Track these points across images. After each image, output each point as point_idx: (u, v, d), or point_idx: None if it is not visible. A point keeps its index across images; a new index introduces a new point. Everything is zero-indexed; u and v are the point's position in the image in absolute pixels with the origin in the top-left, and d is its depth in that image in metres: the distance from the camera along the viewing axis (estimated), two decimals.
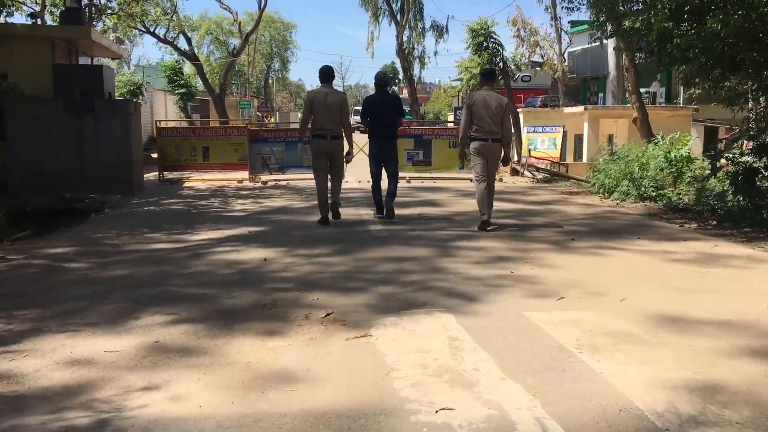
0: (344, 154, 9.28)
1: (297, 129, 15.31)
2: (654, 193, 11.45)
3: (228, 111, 38.32)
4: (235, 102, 39.88)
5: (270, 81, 63.28)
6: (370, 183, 9.96)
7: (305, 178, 14.83)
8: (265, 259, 6.86)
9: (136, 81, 24.07)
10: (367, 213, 10.22)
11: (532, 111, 26.07)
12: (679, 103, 29.07)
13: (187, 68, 36.11)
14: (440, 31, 32.54)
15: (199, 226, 9.19)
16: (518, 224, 9.25)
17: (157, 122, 15.02)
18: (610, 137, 26.26)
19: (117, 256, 7.19)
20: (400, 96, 36.93)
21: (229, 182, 15.12)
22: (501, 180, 15.12)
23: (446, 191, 13.40)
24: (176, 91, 26.01)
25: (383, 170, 9.65)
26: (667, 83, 31.99)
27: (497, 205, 11.01)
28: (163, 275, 6.22)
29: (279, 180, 15.04)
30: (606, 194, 12.12)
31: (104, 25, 18.88)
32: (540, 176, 15.19)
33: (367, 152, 10.33)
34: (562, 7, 19.00)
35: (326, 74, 9.14)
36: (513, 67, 21.28)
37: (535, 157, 15.85)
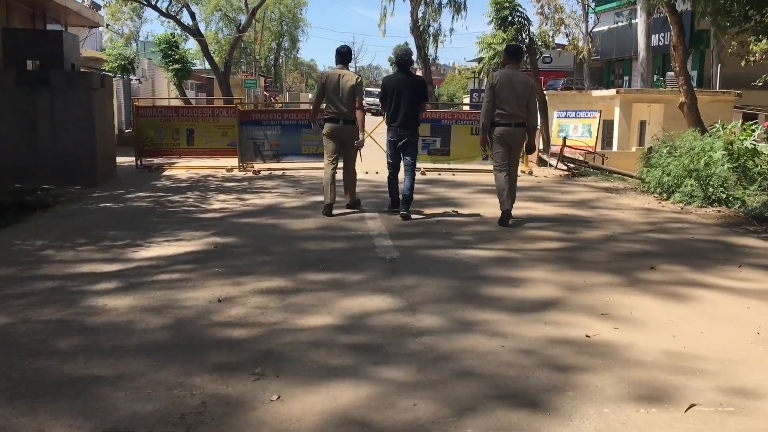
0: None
1: (294, 110, 13.15)
2: (724, 195, 9.18)
3: (233, 90, 36.06)
4: (241, 81, 37.63)
5: (280, 60, 60.83)
6: (380, 174, 7.72)
7: (303, 168, 12.67)
8: (219, 300, 4.68)
9: (127, 55, 21.82)
10: (373, 217, 8.03)
11: (557, 94, 23.67)
12: (714, 88, 26.64)
13: (191, 44, 33.88)
14: (458, 6, 30.06)
15: (155, 234, 7.02)
16: (564, 237, 7.04)
17: (134, 100, 12.85)
18: (642, 123, 23.90)
19: (14, 286, 5.03)
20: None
21: (216, 171, 12.94)
22: (530, 173, 12.86)
23: (467, 187, 11.16)
24: (171, 67, 23.81)
25: (400, 160, 8.41)
26: (699, 66, 29.45)
27: (531, 206, 8.91)
28: (54, 331, 4.05)
29: (273, 169, 12.84)
30: (664, 194, 9.84)
31: None
32: (574, 168, 12.90)
33: (384, 139, 8.73)
34: None
35: (343, 55, 8.44)
36: (540, 44, 18.92)
37: (569, 146, 13.57)
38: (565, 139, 13.60)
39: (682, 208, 9.07)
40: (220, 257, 6.02)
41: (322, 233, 7.13)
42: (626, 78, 34.91)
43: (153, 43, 30.17)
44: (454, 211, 8.65)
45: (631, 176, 12.15)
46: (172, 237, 6.88)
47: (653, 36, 28.48)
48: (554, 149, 16.01)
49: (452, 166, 12.85)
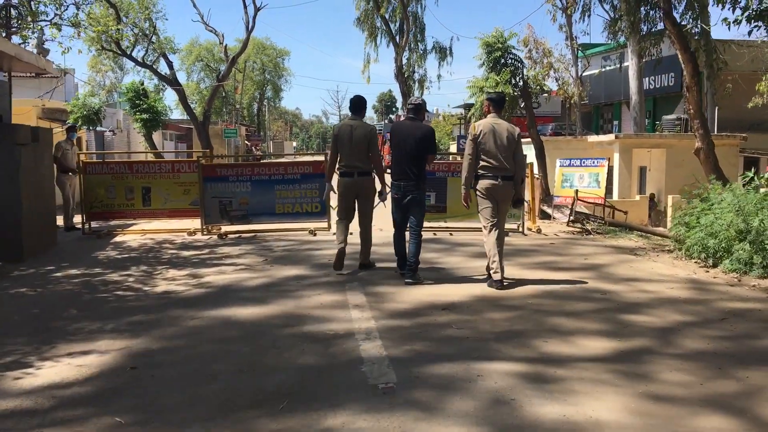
0: (377, 193, 7.85)
1: (266, 164, 11.34)
2: None
3: (213, 140, 34.32)
4: (221, 131, 35.91)
5: (263, 109, 59.36)
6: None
7: (277, 230, 10.78)
8: None
9: (92, 105, 20.00)
10: (360, 304, 6.09)
11: (551, 140, 22.11)
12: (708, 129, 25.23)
13: (171, 95, 32.22)
14: (443, 52, 28.75)
15: (59, 342, 5.06)
16: (610, 332, 5.16)
17: (78, 154, 10.96)
18: (642, 170, 22.29)
19: None
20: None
21: (176, 235, 11.02)
22: (539, 231, 11.03)
23: (467, 249, 9.31)
24: (138, 117, 22.02)
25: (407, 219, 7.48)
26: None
27: (549, 276, 7.32)
28: None
29: (242, 232, 10.92)
30: (709, 260, 8.01)
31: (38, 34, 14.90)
32: (590, 224, 11.09)
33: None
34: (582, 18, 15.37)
35: (356, 105, 7.91)
36: (535, 87, 17.35)
37: (580, 200, 11.78)
38: (577, 191, 11.82)
39: (739, 280, 7.22)
40: (132, 388, 4.07)
41: (289, 335, 5.19)
42: (615, 122, 33.62)
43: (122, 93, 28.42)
44: (453, 289, 6.72)
45: (660, 234, 10.34)
46: (82, 347, 4.92)
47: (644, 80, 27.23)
48: (558, 201, 14.27)
49: (449, 224, 11.01)
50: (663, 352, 4.71)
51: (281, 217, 10.89)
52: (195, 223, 11.05)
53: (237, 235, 10.84)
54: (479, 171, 6.91)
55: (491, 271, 6.85)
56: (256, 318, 5.69)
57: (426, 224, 9.20)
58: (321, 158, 10.96)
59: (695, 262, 8.24)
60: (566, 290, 6.67)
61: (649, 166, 21.20)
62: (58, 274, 7.83)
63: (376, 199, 7.85)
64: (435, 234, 10.62)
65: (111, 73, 56.37)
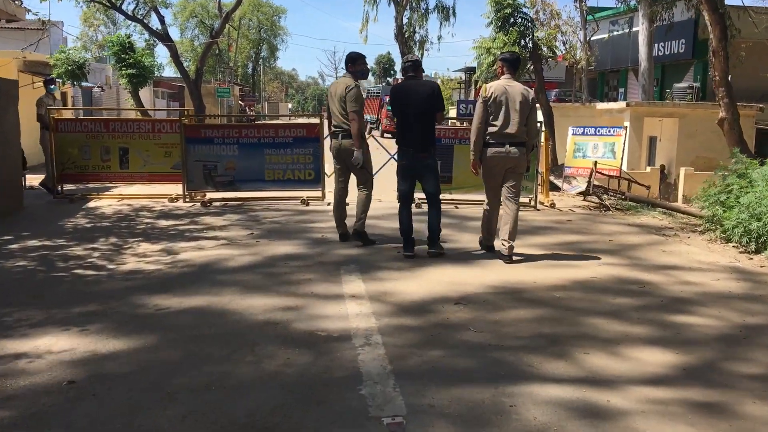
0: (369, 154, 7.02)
1: (255, 126, 10.31)
2: None
3: (205, 99, 33.02)
4: (214, 90, 34.53)
5: (258, 69, 57.64)
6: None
7: (267, 199, 9.77)
8: None
9: (77, 59, 18.71)
10: (357, 294, 5.12)
11: (557, 107, 20.94)
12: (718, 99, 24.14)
13: (163, 52, 30.86)
14: (446, 12, 27.43)
15: None
16: (663, 339, 4.22)
17: (49, 110, 9.86)
18: (652, 140, 21.25)
19: None
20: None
21: (156, 201, 10.00)
22: (552, 205, 10.04)
23: (476, 225, 8.31)
24: (124, 72, 20.73)
25: (415, 189, 6.84)
26: (703, 77, 26.98)
27: (573, 264, 6.26)
28: None
29: (229, 200, 9.90)
30: (751, 244, 7.04)
31: None
32: (606, 199, 10.10)
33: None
34: None
35: (347, 60, 7.26)
36: (545, 50, 16.21)
37: (599, 171, 10.74)
38: (596, 163, 10.80)
39: None
40: (61, 414, 3.11)
41: (273, 336, 4.22)
42: (621, 90, 32.42)
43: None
44: (462, 280, 5.74)
45: (686, 212, 9.37)
46: (15, 348, 3.95)
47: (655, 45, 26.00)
48: (569, 171, 13.25)
49: (455, 196, 10.00)
50: (735, 371, 3.77)
51: (271, 185, 9.87)
52: (177, 188, 10.00)
53: (222, 203, 9.82)
54: (487, 137, 6.31)
55: (484, 239, 6.75)
56: (235, 310, 4.72)
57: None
58: (316, 121, 9.88)
59: (734, 246, 7.28)
60: (597, 280, 5.71)
61: (660, 136, 20.14)
62: (14, 246, 6.82)
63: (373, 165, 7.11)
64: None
65: (104, 28, 54.59)
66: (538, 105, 15.58)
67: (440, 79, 51.21)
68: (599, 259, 6.58)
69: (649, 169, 18.43)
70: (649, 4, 24.14)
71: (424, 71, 6.92)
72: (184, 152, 9.71)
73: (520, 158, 6.33)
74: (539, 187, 10.14)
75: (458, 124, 35.29)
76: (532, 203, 9.89)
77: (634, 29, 26.77)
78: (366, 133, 7.00)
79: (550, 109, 16.01)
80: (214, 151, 9.77)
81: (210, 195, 10.00)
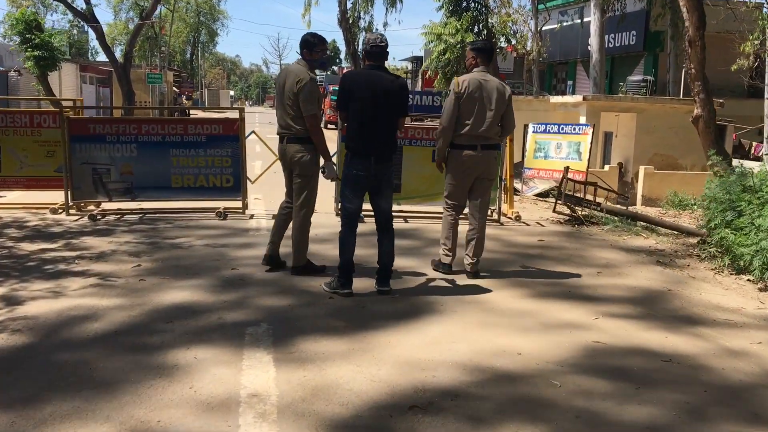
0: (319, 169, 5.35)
1: (159, 120, 8.29)
2: None
3: (135, 86, 30.36)
4: (144, 75, 31.76)
5: (195, 54, 54.44)
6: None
7: (174, 210, 7.81)
8: None
9: None
10: (262, 424, 3.27)
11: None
12: (670, 95, 23.12)
13: (81, 32, 28.15)
14: None
15: None
16: None
17: None
18: (608, 136, 19.95)
19: None
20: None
21: (35, 212, 7.91)
22: (518, 218, 8.37)
23: (427, 244, 6.59)
24: (30, 54, 18.13)
25: (364, 207, 5.24)
26: (654, 71, 25.95)
27: (567, 313, 4.46)
28: None
29: (125, 211, 7.89)
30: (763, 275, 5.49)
31: None
32: (578, 209, 8.46)
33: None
34: None
35: (303, 45, 5.34)
36: (501, 38, 14.59)
37: (571, 179, 9.04)
38: (567, 168, 9.17)
39: None
40: None
41: None
42: (570, 82, 31.26)
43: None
44: (430, 315, 3.98)
45: (670, 227, 7.83)
46: None
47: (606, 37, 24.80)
48: (529, 173, 11.66)
49: (404, 207, 8.22)
50: None
51: (179, 193, 7.88)
52: (62, 196, 7.91)
53: (118, 215, 7.80)
54: (455, 139, 5.44)
55: (441, 254, 5.62)
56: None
57: (369, 206, 6.19)
58: (235, 115, 7.91)
59: (749, 280, 5.74)
60: (605, 348, 4.02)
61: (616, 132, 18.84)
62: None
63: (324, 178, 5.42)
64: None
65: (32, 8, 50.68)
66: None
67: (388, 67, 49.32)
68: (594, 303, 4.91)
69: (607, 167, 17.04)
70: None
71: (386, 57, 5.07)
72: (67, 153, 7.62)
73: (491, 164, 5.55)
74: (503, 196, 8.45)
75: (412, 120, 33.29)
76: (494, 216, 8.21)
77: (587, 19, 25.51)
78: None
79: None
80: (106, 151, 7.70)
81: (105, 205, 7.96)
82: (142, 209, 7.98)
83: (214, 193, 7.93)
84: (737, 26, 19.38)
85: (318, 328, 4.20)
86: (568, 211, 8.64)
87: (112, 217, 7.71)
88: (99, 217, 7.63)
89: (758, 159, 17.24)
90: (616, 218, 8.30)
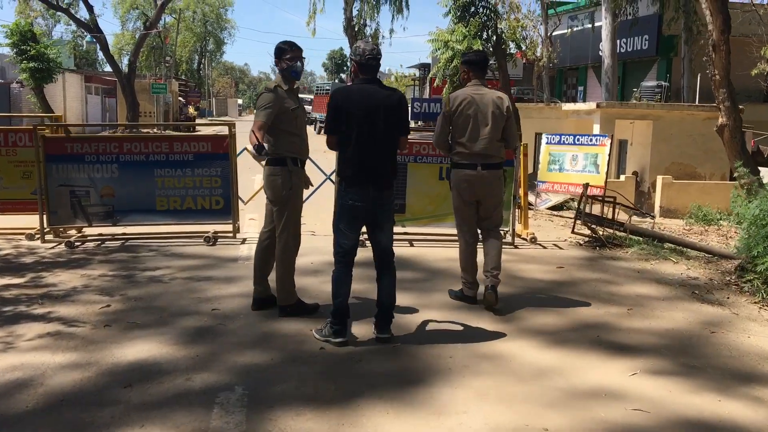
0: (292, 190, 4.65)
1: (143, 138, 7.62)
2: None
3: (140, 96, 29.89)
4: (149, 85, 31.21)
5: (203, 63, 53.94)
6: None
7: (159, 235, 7.15)
8: None
9: None
10: None
11: (521, 107, 18.64)
12: (684, 100, 22.32)
13: (89, 43, 27.70)
14: (399, 4, 24.88)
15: None
16: None
17: None
18: (622, 144, 19.16)
19: None
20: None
21: (9, 238, 7.25)
22: (533, 239, 7.64)
23: (444, 273, 5.90)
24: (25, 66, 17.59)
25: (363, 242, 5.15)
26: (666, 76, 25.10)
27: (603, 371, 3.74)
28: None
29: (106, 236, 7.22)
30: None
31: None
32: (600, 230, 7.71)
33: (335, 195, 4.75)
34: None
35: (274, 54, 4.77)
36: (511, 45, 13.91)
37: (592, 196, 8.26)
38: (587, 185, 8.44)
39: None
40: None
41: None
42: (580, 88, 30.47)
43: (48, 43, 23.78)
44: (435, 390, 3.27)
45: (703, 250, 7.05)
46: None
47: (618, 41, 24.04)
48: (543, 187, 10.92)
49: (409, 229, 7.51)
50: None
51: (165, 216, 7.19)
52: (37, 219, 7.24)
53: (98, 241, 7.13)
54: (454, 158, 5.12)
55: (464, 287, 5.19)
56: None
57: None
58: (225, 131, 7.22)
59: None
60: (652, 428, 3.29)
61: (631, 140, 18.06)
62: None
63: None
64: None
65: (41, 20, 50.47)
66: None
67: (394, 75, 48.68)
68: (628, 354, 4.17)
69: (623, 177, 16.27)
70: None
71: (378, 68, 4.39)
72: (42, 174, 6.96)
73: (495, 183, 5.11)
74: (517, 215, 7.71)
75: (412, 124, 32.39)
76: (508, 237, 7.49)
77: (597, 24, 24.75)
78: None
79: (517, 113, 13.66)
80: (85, 172, 7.03)
81: (89, 230, 7.30)
82: (124, 234, 7.31)
83: (203, 216, 7.25)
84: (755, 29, 18.58)
85: (302, 395, 3.48)
86: (587, 231, 7.89)
87: (91, 244, 7.04)
88: (77, 243, 6.96)
89: None
90: (641, 239, 7.54)
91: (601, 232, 7.65)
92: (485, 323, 4.72)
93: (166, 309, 4.88)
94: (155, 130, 28.06)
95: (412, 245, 7.26)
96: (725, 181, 15.71)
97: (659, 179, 14.68)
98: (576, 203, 12.74)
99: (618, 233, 7.63)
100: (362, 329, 4.43)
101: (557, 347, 4.28)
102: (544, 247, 7.45)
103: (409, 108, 33.45)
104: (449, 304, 5.16)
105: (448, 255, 6.41)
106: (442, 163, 7.24)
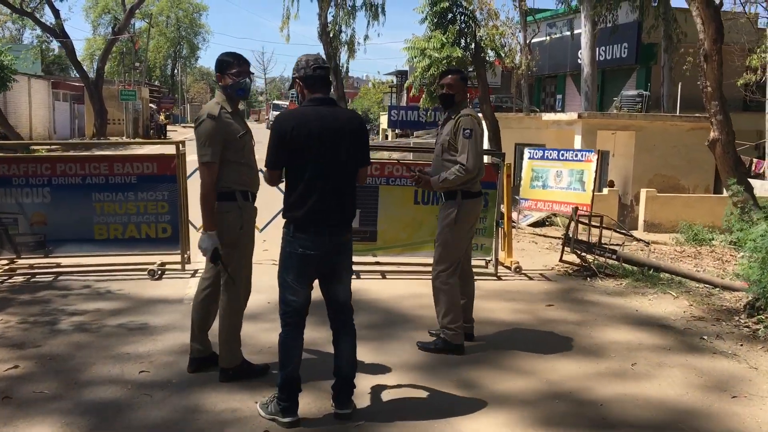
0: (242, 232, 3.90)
1: (79, 159, 6.71)
2: None
3: (108, 102, 28.79)
4: (117, 92, 30.10)
5: (176, 68, 52.69)
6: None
7: (98, 268, 6.28)
8: None
9: None
10: None
11: (500, 118, 17.96)
12: (663, 109, 21.88)
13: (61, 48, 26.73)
14: (375, 10, 24.10)
15: None
16: None
17: None
18: (603, 155, 18.56)
19: None
20: None
21: None
22: (518, 269, 6.88)
23: (403, 325, 5.12)
24: None
25: (314, 298, 3.56)
26: (645, 85, 24.65)
27: None
28: None
29: (39, 269, 6.33)
30: None
31: None
32: (589, 257, 6.98)
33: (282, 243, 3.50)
34: None
35: (216, 68, 3.97)
36: (491, 53, 13.25)
37: (581, 220, 7.54)
38: (576, 209, 7.73)
39: None
40: None
41: None
42: (559, 96, 29.95)
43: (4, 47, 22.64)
44: None
45: (710, 283, 6.34)
46: None
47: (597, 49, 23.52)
48: (525, 205, 10.17)
49: (381, 259, 6.72)
50: None
51: (104, 246, 6.33)
52: None
53: (28, 275, 6.24)
54: (471, 186, 4.47)
55: (450, 333, 4.45)
56: None
57: None
58: (171, 151, 6.37)
59: None
60: None
61: (613, 151, 17.47)
62: None
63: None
64: (359, 276, 6.28)
65: (11, 24, 48.94)
66: (481, 116, 12.61)
67: (371, 81, 47.97)
68: None
69: (606, 190, 15.66)
70: (592, 5, 21.65)
71: (330, 85, 3.55)
72: None
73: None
74: (499, 241, 6.95)
75: (390, 135, 31.44)
76: (489, 267, 6.74)
77: (577, 31, 24.23)
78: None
79: (497, 124, 13.00)
80: (12, 197, 6.14)
81: (21, 261, 6.41)
82: (59, 266, 6.42)
83: (148, 245, 6.39)
84: (736, 37, 18.10)
85: None
86: (576, 258, 7.16)
87: (20, 278, 6.15)
88: (2, 279, 6.06)
89: (760, 176, 15.96)
90: (635, 268, 6.82)
91: (591, 260, 6.92)
92: (465, 388, 3.93)
93: (82, 371, 4.03)
94: (122, 138, 27.05)
95: (384, 277, 6.47)
96: (710, 195, 15.17)
97: (643, 192, 14.11)
98: (558, 218, 12.06)
99: (610, 262, 6.90)
100: (317, 400, 3.63)
101: (542, 428, 3.50)
102: (530, 278, 6.70)
103: (386, 115, 32.56)
104: (417, 359, 4.37)
105: (421, 290, 5.63)
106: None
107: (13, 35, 50.12)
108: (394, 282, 6.32)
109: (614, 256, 6.92)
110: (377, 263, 6.67)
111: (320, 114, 3.37)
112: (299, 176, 3.37)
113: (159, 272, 6.23)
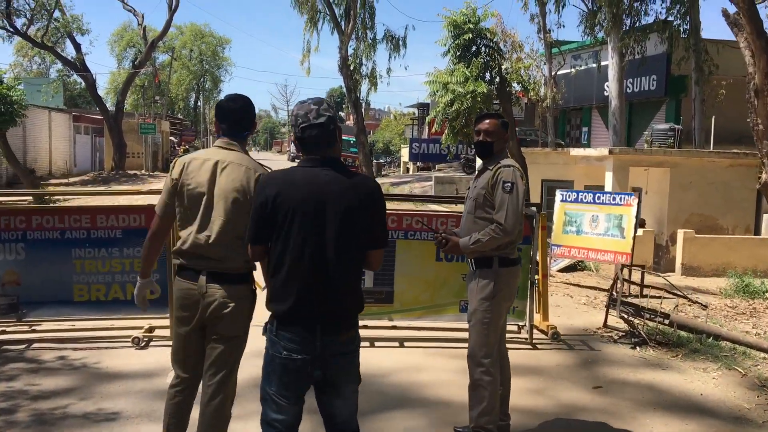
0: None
1: (58, 210, 6.00)
2: None
3: (128, 136, 28.50)
4: (137, 125, 29.85)
5: (199, 102, 52.77)
6: None
7: (78, 334, 5.49)
8: None
9: None
10: None
11: (526, 153, 17.13)
12: (695, 143, 20.89)
13: (102, 82, 26.57)
14: (396, 42, 23.54)
15: None
16: None
17: None
18: (635, 192, 17.56)
19: None
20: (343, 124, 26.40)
21: None
22: (555, 336, 5.95)
23: (443, 411, 4.24)
24: None
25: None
26: (675, 118, 23.67)
27: None
28: None
29: (5, 339, 5.57)
30: None
31: None
32: (639, 322, 6.03)
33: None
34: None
35: (225, 114, 3.23)
36: (516, 86, 12.50)
37: (629, 280, 6.59)
38: (623, 268, 6.82)
39: None
40: None
41: None
42: (585, 129, 29.06)
43: (21, 80, 22.47)
44: None
45: None
46: None
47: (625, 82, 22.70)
48: (558, 252, 9.27)
49: (398, 323, 5.85)
50: None
51: (85, 309, 5.55)
52: None
53: None
54: (506, 250, 3.72)
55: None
56: None
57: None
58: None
59: None
60: None
61: (646, 188, 16.50)
62: None
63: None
64: (373, 345, 5.41)
65: (38, 58, 49.50)
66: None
67: (392, 113, 47.52)
68: None
69: (641, 231, 14.68)
70: (620, 37, 20.90)
71: (336, 138, 2.67)
72: None
73: None
74: (535, 304, 6.05)
75: (411, 168, 30.81)
76: (523, 333, 5.84)
77: (603, 63, 23.46)
78: None
79: (524, 161, 12.15)
80: None
81: None
82: (34, 332, 5.65)
83: (134, 307, 5.58)
84: None
85: None
86: (624, 327, 6.21)
87: None
88: None
89: None
90: (691, 335, 5.87)
91: (640, 326, 5.98)
92: None
93: None
94: (140, 171, 26.66)
95: (402, 345, 5.60)
96: (752, 236, 14.13)
97: (680, 233, 13.11)
98: (592, 264, 11.09)
99: (662, 327, 5.96)
100: None
101: None
102: (570, 346, 5.78)
103: (407, 147, 31.94)
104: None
105: (443, 363, 4.74)
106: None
107: (40, 69, 50.61)
108: (412, 351, 5.44)
109: (666, 321, 5.97)
110: (394, 328, 5.81)
111: (312, 176, 2.57)
112: (285, 257, 2.56)
113: (145, 340, 5.43)
